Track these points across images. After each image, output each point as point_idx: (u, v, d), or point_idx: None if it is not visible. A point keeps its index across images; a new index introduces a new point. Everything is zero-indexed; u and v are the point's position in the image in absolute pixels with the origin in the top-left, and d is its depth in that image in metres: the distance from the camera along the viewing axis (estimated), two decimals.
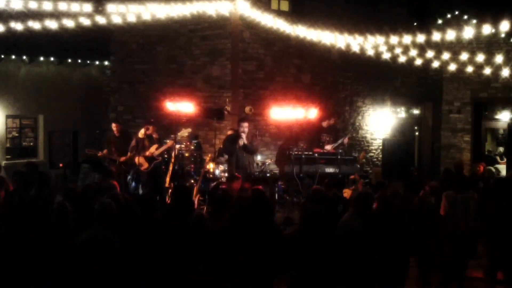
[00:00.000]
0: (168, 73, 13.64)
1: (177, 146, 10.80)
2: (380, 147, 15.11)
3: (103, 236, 5.19)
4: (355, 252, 5.66)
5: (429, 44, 12.21)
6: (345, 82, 14.84)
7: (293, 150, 10.64)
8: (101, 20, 10.74)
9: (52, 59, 15.08)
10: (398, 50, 12.39)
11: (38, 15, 10.19)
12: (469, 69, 12.84)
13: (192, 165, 11.39)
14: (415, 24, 14.87)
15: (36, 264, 6.03)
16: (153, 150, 10.56)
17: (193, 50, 13.13)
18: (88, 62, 15.99)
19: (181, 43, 13.35)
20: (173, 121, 11.26)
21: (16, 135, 15.38)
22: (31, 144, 15.55)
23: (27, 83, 14.86)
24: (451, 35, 11.52)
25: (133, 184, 10.89)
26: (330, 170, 11.09)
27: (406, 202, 7.19)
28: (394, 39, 11.90)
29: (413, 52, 12.34)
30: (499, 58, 12.55)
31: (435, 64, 12.77)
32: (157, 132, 10.85)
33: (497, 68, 12.79)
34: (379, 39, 12.03)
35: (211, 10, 11.88)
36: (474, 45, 14.23)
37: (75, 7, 10.03)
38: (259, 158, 11.29)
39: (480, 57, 12.11)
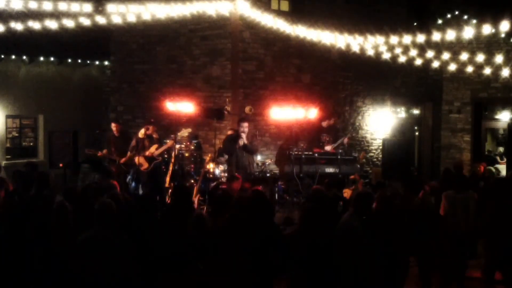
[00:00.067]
0: (168, 73, 13.64)
1: (177, 146, 10.80)
2: (380, 147, 15.11)
3: (103, 236, 5.20)
4: (355, 252, 5.66)
5: (429, 44, 12.20)
6: (345, 82, 14.84)
7: (293, 150, 10.64)
8: (101, 20, 10.74)
9: (52, 59, 15.06)
10: (398, 50, 12.39)
11: (38, 15, 10.19)
12: (469, 69, 12.84)
13: (192, 165, 11.39)
14: (415, 24, 14.88)
15: (36, 264, 6.04)
16: (153, 150, 10.56)
17: (193, 50, 13.13)
18: (88, 62, 15.97)
19: (181, 43, 13.35)
20: (173, 121, 11.26)
21: (16, 135, 15.37)
22: (31, 144, 15.54)
23: (27, 83, 14.85)
24: (451, 35, 11.51)
25: (133, 184, 10.89)
26: (330, 170, 11.09)
27: (406, 202, 7.19)
28: (394, 39, 11.89)
29: (413, 52, 12.34)
30: (499, 58, 12.55)
31: (435, 64, 12.77)
32: (157, 132, 10.85)
33: (497, 68, 12.79)
34: (379, 39, 12.02)
35: (211, 10, 11.88)
36: (474, 45, 14.24)
37: (75, 7, 10.02)
38: (259, 158, 11.29)
39: (480, 57, 12.11)
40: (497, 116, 16.11)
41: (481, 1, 14.16)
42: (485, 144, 16.18)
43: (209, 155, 10.86)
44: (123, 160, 10.86)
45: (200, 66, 13.00)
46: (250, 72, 12.67)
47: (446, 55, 12.51)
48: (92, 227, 5.31)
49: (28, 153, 15.25)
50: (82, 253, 5.18)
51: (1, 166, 10.29)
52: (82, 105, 15.58)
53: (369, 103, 15.64)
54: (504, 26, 10.42)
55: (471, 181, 10.07)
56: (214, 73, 12.74)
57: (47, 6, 9.66)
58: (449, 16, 14.97)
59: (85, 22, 10.55)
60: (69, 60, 15.42)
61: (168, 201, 9.33)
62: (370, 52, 12.56)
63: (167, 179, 10.49)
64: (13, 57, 14.36)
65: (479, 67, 12.72)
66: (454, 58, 12.71)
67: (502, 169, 15.22)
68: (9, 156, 14.68)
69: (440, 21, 14.99)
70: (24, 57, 14.55)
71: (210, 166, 10.58)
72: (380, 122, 15.90)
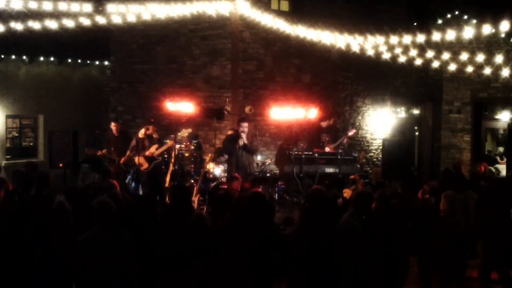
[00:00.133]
0: (168, 73, 13.64)
1: (177, 146, 10.80)
2: (380, 147, 15.11)
3: (103, 236, 5.19)
4: (355, 252, 5.66)
5: (429, 44, 12.20)
6: (345, 82, 14.84)
7: (293, 150, 10.64)
8: (101, 20, 10.73)
9: (52, 59, 15.07)
10: (398, 50, 12.38)
11: (38, 15, 10.18)
12: (469, 69, 12.84)
13: (192, 165, 11.39)
14: (415, 24, 14.88)
15: (36, 264, 6.03)
16: (153, 150, 10.56)
17: (193, 50, 13.13)
18: (88, 62, 15.98)
19: (181, 43, 13.35)
20: (173, 121, 11.26)
21: (16, 135, 15.37)
22: (31, 144, 15.54)
23: (27, 83, 14.85)
24: (451, 35, 11.51)
25: (133, 184, 10.89)
26: (330, 170, 11.09)
27: (405, 202, 7.19)
28: (394, 39, 11.89)
29: (413, 52, 12.33)
30: (499, 58, 12.55)
31: (435, 64, 12.76)
32: (157, 132, 10.85)
33: (497, 68, 12.79)
34: (379, 39, 12.02)
35: (211, 10, 11.87)
36: (474, 45, 14.24)
37: (75, 7, 10.02)
38: (259, 158, 11.29)
39: (480, 57, 12.11)
40: (497, 116, 16.12)
41: (481, 1, 14.16)
42: (485, 144, 16.18)
43: (209, 155, 10.86)
44: (122, 160, 10.87)
45: (200, 66, 13.00)
46: (250, 72, 12.67)
47: (446, 55, 12.51)
48: (92, 227, 5.30)
49: (28, 153, 15.26)
50: (82, 253, 5.18)
51: (1, 166, 10.30)
52: (82, 105, 15.59)
53: (369, 103, 15.63)
54: (504, 26, 10.42)
55: (471, 181, 10.10)
56: (214, 73, 12.74)
57: (47, 6, 9.66)
58: (449, 16, 14.97)
59: (85, 22, 10.54)
60: (69, 60, 15.43)
61: (167, 201, 9.32)
62: (370, 52, 12.55)
63: (167, 179, 10.49)
64: (13, 57, 14.36)
65: (479, 67, 12.72)
66: (454, 58, 12.71)
67: (502, 169, 15.23)
68: (9, 156, 14.68)
69: (440, 21, 14.99)
70: (24, 57, 14.55)
71: (210, 166, 10.58)
72: (380, 122, 15.90)
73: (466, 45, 13.95)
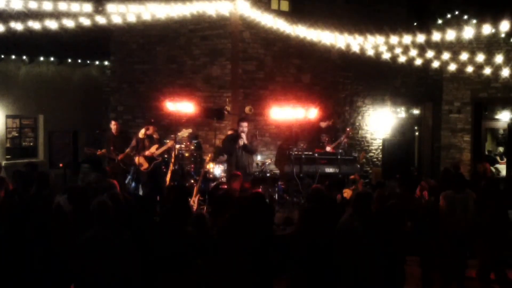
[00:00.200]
0: (168, 73, 13.64)
1: (177, 146, 10.79)
2: (380, 147, 15.12)
3: (103, 236, 5.19)
4: (355, 252, 5.66)
5: (429, 44, 12.20)
6: (345, 82, 14.84)
7: (293, 150, 10.64)
8: (101, 20, 10.73)
9: (52, 59, 15.07)
10: (398, 50, 12.39)
11: (38, 15, 10.18)
12: (469, 69, 12.84)
13: (192, 165, 11.39)
14: (415, 24, 14.88)
15: (36, 264, 6.04)
16: (153, 150, 10.56)
17: (193, 50, 13.13)
18: (88, 62, 15.99)
19: (181, 43, 13.35)
20: (173, 121, 11.25)
21: (16, 135, 15.38)
22: (31, 144, 15.55)
23: (27, 83, 14.86)
24: (451, 35, 11.51)
25: (133, 184, 10.89)
26: (330, 170, 11.09)
27: (405, 202, 7.19)
28: (394, 39, 11.89)
29: (413, 52, 12.34)
30: (499, 58, 12.56)
31: (435, 64, 12.77)
32: (157, 132, 10.85)
33: (497, 68, 12.80)
34: (379, 39, 12.02)
35: (211, 10, 11.87)
36: (474, 45, 14.24)
37: (75, 7, 10.02)
38: (259, 158, 11.30)
39: (480, 57, 12.11)
40: (497, 116, 16.12)
41: (481, 1, 14.16)
42: (485, 144, 16.18)
43: (209, 155, 10.85)
44: (120, 156, 10.86)
45: (200, 66, 13.00)
46: (250, 72, 12.67)
47: (446, 55, 12.52)
48: (92, 227, 5.30)
49: (28, 153, 15.27)
50: (83, 253, 5.18)
51: (1, 166, 10.29)
52: (82, 105, 15.59)
53: (369, 103, 15.64)
54: (504, 26, 10.42)
55: (472, 180, 10.10)
56: (214, 73, 12.74)
57: (47, 6, 9.66)
58: (449, 16, 14.97)
59: (85, 22, 10.54)
60: (69, 60, 15.44)
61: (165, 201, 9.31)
62: (370, 52, 12.56)
63: (167, 179, 10.48)
64: (13, 57, 14.37)
65: (479, 67, 12.72)
66: (454, 58, 12.71)
67: (502, 169, 15.23)
68: (9, 156, 14.68)
69: (440, 21, 14.99)
70: (24, 57, 14.56)
71: (210, 166, 10.58)
72: (380, 122, 15.91)
73: (466, 45, 13.95)
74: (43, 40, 12.46)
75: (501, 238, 7.34)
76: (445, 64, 12.95)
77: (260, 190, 8.73)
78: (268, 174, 11.04)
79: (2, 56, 14.10)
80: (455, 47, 13.76)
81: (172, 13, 11.46)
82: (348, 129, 12.62)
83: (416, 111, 17.35)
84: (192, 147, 11.53)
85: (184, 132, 10.82)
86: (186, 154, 11.44)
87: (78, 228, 5.71)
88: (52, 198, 6.87)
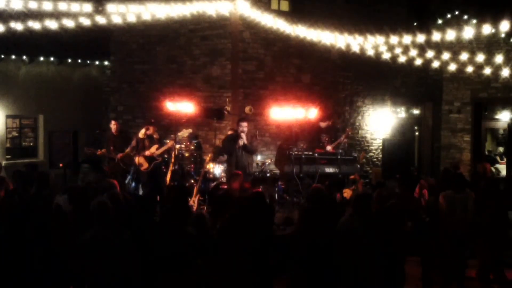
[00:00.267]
0: (168, 73, 13.64)
1: (177, 146, 10.79)
2: (380, 147, 15.11)
3: (103, 236, 5.20)
4: (355, 252, 5.66)
5: (429, 44, 12.20)
6: (345, 82, 14.84)
7: (293, 150, 10.64)
8: (101, 20, 10.73)
9: (52, 59, 15.07)
10: (398, 50, 12.39)
11: (38, 15, 10.18)
12: (469, 69, 12.84)
13: (192, 165, 11.39)
14: (415, 24, 14.88)
15: (36, 264, 6.04)
16: (153, 150, 10.56)
17: (193, 50, 13.13)
18: (88, 62, 15.99)
19: (181, 43, 13.35)
20: (173, 121, 11.25)
21: (16, 135, 15.38)
22: (31, 144, 15.55)
23: (27, 83, 14.86)
24: (451, 35, 11.51)
25: (133, 184, 10.88)
26: (330, 170, 11.08)
27: (404, 202, 7.19)
28: (394, 39, 11.89)
29: (413, 52, 12.34)
30: (499, 58, 12.55)
31: (435, 64, 12.76)
32: (157, 132, 10.85)
33: (497, 68, 12.79)
34: (379, 39, 12.02)
35: (211, 10, 11.87)
36: (474, 45, 14.24)
37: (75, 7, 10.02)
38: (259, 158, 11.30)
39: (480, 57, 12.11)
40: (497, 116, 16.12)
41: (481, 1, 14.16)
42: (485, 144, 16.18)
43: (209, 155, 10.85)
44: (120, 155, 10.86)
45: (200, 66, 13.00)
46: (250, 72, 12.67)
47: (446, 55, 12.52)
48: (92, 227, 5.31)
49: (28, 153, 15.27)
50: (83, 254, 5.18)
51: (1, 166, 10.29)
52: (82, 105, 15.59)
53: (369, 103, 15.64)
54: (504, 26, 10.42)
55: (472, 180, 10.10)
56: (214, 73, 12.74)
57: (47, 6, 9.66)
58: (449, 16, 14.97)
59: (85, 22, 10.54)
60: (69, 60, 15.44)
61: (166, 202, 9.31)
62: (370, 52, 12.56)
63: (167, 179, 10.48)
64: (13, 57, 14.37)
65: (479, 67, 12.72)
66: (454, 58, 12.71)
67: (502, 169, 15.23)
68: (9, 156, 14.69)
69: (440, 21, 14.99)
70: (24, 57, 14.56)
71: (210, 166, 10.58)
72: (380, 122, 15.91)
73: (466, 45, 13.95)
74: (43, 40, 12.47)
75: (501, 238, 7.35)
76: (445, 64, 12.95)
77: (260, 189, 8.72)
78: (268, 174, 11.03)
79: (2, 56, 14.11)
80: (455, 47, 13.76)
81: (172, 13, 11.46)
82: (347, 129, 12.62)
83: (416, 111, 17.35)
84: (192, 147, 11.53)
85: (184, 132, 10.82)
86: (186, 154, 11.44)
87: (78, 228, 5.72)
88: (52, 198, 6.87)
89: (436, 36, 11.55)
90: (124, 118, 14.20)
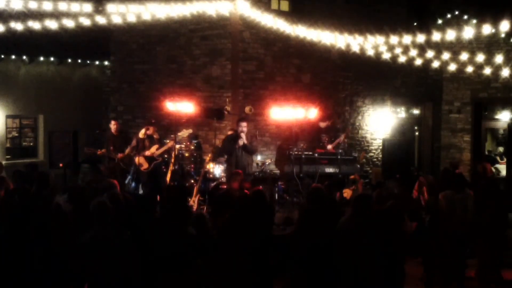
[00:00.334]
0: (168, 73, 13.64)
1: (177, 146, 10.80)
2: (380, 147, 15.11)
3: (103, 236, 5.20)
4: (355, 252, 5.66)
5: (429, 44, 12.21)
6: (345, 82, 14.84)
7: (293, 150, 10.64)
8: (101, 20, 10.73)
9: (52, 59, 15.08)
10: (398, 50, 12.39)
11: (38, 15, 10.18)
12: (469, 69, 12.84)
13: (192, 165, 11.39)
14: (415, 24, 14.88)
15: (36, 264, 6.04)
16: (153, 150, 10.57)
17: (193, 50, 13.13)
18: (88, 62, 16.00)
19: (181, 43, 13.35)
20: (173, 121, 11.25)
21: (16, 135, 15.39)
22: (31, 144, 15.56)
23: (27, 83, 14.87)
24: (451, 35, 11.51)
25: (133, 184, 10.89)
26: (330, 170, 11.09)
27: (404, 202, 7.20)
28: (394, 39, 11.89)
29: (413, 52, 12.34)
30: (499, 58, 12.55)
31: (435, 64, 12.77)
32: (157, 133, 10.86)
33: (497, 68, 12.79)
34: (379, 39, 12.02)
35: (211, 10, 11.88)
36: (474, 45, 14.24)
37: (75, 7, 10.02)
38: (259, 158, 11.29)
39: (480, 57, 12.11)
40: (497, 116, 16.13)
41: (481, 1, 14.16)
42: (485, 144, 16.19)
43: (209, 155, 10.85)
44: (120, 155, 10.86)
45: (200, 66, 13.00)
46: (250, 72, 12.67)
47: (446, 55, 12.52)
48: (92, 227, 5.31)
49: (28, 153, 15.28)
50: (83, 254, 5.18)
51: (2, 165, 10.29)
52: (82, 105, 15.59)
53: (369, 103, 15.64)
54: (504, 26, 10.42)
55: (472, 180, 10.10)
56: (214, 73, 12.74)
57: (47, 6, 9.66)
58: (449, 16, 14.97)
59: (85, 22, 10.54)
60: (69, 60, 15.45)
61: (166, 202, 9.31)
62: (370, 52, 12.56)
63: (167, 179, 10.49)
64: (13, 57, 14.38)
65: (479, 67, 12.72)
66: (454, 58, 12.71)
67: (502, 169, 15.23)
68: (9, 156, 14.69)
69: (440, 21, 14.99)
70: (24, 57, 14.57)
71: (210, 166, 10.58)
72: (380, 122, 15.91)
73: (466, 45, 13.95)
74: (43, 40, 12.47)
75: (501, 238, 7.35)
76: (445, 64, 12.95)
77: (261, 187, 8.72)
78: (268, 174, 11.02)
79: (2, 56, 14.11)
80: (455, 47, 13.76)
81: (172, 13, 11.46)
82: (347, 129, 12.62)
83: (416, 111, 17.36)
84: (192, 147, 11.53)
85: (184, 132, 10.82)
86: (186, 154, 11.44)
87: (78, 228, 5.72)
88: (52, 198, 6.86)
89: (436, 36, 11.55)
90: (124, 118, 14.20)
